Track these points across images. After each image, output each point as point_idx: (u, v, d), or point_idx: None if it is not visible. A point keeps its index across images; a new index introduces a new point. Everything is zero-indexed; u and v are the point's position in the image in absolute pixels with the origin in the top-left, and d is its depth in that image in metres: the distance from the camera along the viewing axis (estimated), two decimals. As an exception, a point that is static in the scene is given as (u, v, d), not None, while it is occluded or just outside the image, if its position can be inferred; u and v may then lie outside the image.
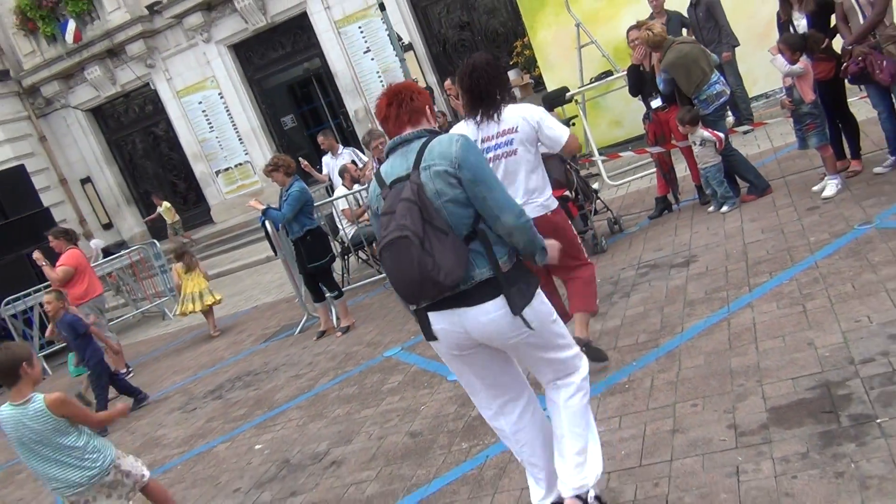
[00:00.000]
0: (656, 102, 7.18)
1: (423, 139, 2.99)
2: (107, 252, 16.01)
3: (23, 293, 11.54)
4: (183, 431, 6.44)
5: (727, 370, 4.00)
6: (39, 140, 20.35)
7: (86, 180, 20.90)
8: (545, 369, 3.14)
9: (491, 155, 4.29)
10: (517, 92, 13.85)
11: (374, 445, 4.71)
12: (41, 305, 11.51)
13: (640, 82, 7.22)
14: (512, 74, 14.50)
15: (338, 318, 7.84)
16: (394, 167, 3.00)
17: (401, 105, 3.06)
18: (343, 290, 7.95)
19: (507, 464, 3.86)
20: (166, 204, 18.04)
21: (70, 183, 20.79)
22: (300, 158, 10.20)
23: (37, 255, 9.47)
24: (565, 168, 6.76)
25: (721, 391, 3.82)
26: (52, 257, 9.12)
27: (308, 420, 5.58)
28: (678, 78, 6.65)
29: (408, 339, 6.50)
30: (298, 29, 18.15)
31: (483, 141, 4.30)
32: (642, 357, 4.53)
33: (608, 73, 9.91)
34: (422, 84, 15.78)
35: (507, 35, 16.75)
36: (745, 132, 8.83)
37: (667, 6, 8.99)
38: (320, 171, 10.75)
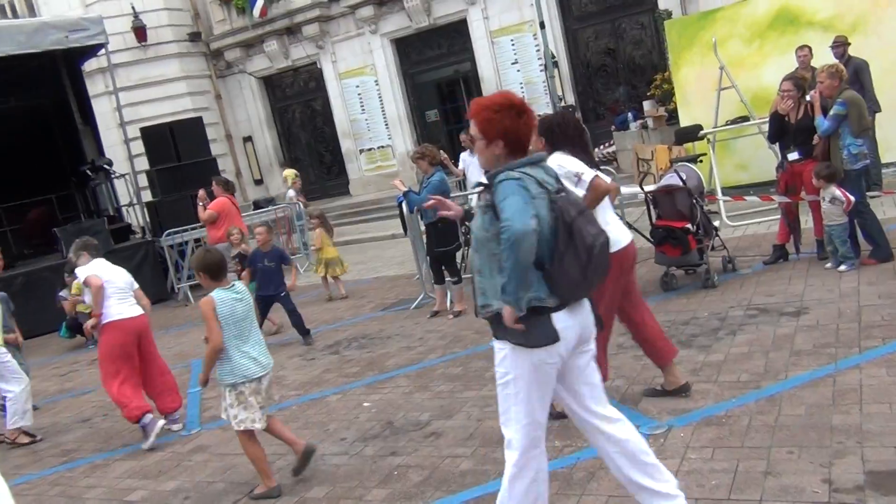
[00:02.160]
0: (794, 155, 6.84)
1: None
2: (257, 205, 16.65)
3: (181, 228, 12.16)
4: (301, 377, 6.63)
5: (828, 425, 3.77)
6: (215, 98, 21.34)
7: (247, 139, 21.80)
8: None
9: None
10: (650, 122, 13.52)
11: (472, 425, 4.70)
12: (195, 241, 12.15)
13: (781, 132, 6.89)
14: (647, 105, 14.16)
15: (452, 302, 7.88)
16: (545, 177, 2.94)
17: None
18: (462, 277, 7.97)
19: (597, 469, 3.77)
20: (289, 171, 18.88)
21: (234, 139, 21.74)
22: (441, 151, 10.28)
23: (201, 193, 10.06)
24: (691, 203, 6.55)
25: (819, 444, 3.60)
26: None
27: (414, 390, 5.63)
28: (852, 115, 6.28)
29: (514, 334, 6.45)
30: (456, 33, 18.30)
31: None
32: (742, 396, 4.33)
33: (744, 119, 9.52)
34: (566, 101, 15.68)
35: (646, 67, 16.38)
36: (872, 197, 8.30)
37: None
38: (457, 165, 10.80)
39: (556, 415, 4.04)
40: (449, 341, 6.77)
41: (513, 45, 17.37)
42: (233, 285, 4.33)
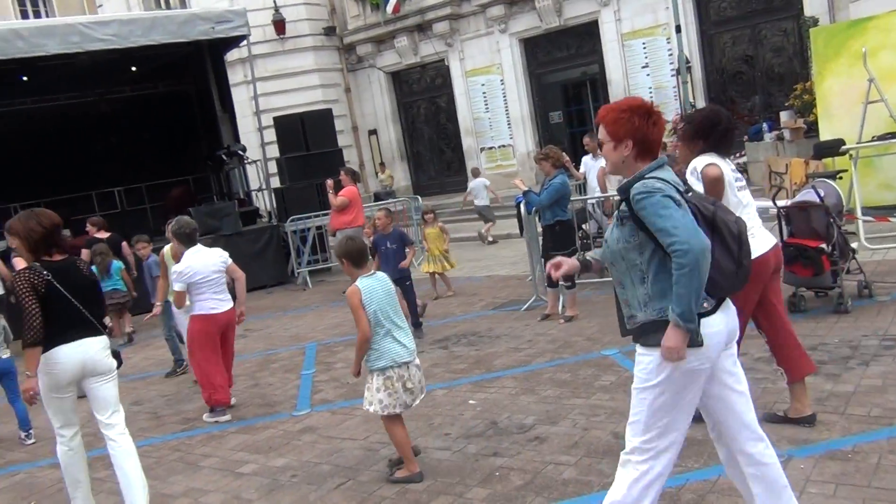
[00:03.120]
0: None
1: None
2: (377, 197, 17.04)
3: (305, 215, 12.60)
4: (409, 368, 6.70)
5: (970, 473, 3.45)
6: (345, 91, 21.99)
7: (372, 132, 22.34)
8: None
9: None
10: (786, 134, 12.84)
11: (577, 433, 4.61)
12: (317, 228, 12.57)
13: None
14: (784, 116, 13.46)
15: (564, 307, 7.77)
16: (676, 180, 2.86)
17: None
18: (576, 282, 7.84)
19: (707, 493, 3.62)
20: (386, 172, 20.27)
21: (360, 131, 22.33)
22: (563, 154, 10.15)
23: (329, 182, 10.44)
24: (828, 221, 6.16)
25: (959, 493, 3.31)
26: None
27: (520, 392, 5.59)
28: None
29: (628, 344, 6.25)
30: (586, 35, 18.05)
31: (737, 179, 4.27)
32: (872, 431, 4.03)
33: (892, 135, 8.89)
34: (696, 108, 15.12)
35: (785, 75, 15.58)
36: None
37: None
38: (578, 169, 10.64)
39: None
40: (558, 346, 6.68)
41: (644, 48, 16.95)
42: (373, 273, 4.40)
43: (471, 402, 5.54)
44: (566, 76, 19.13)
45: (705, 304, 2.76)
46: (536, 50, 19.08)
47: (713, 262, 2.70)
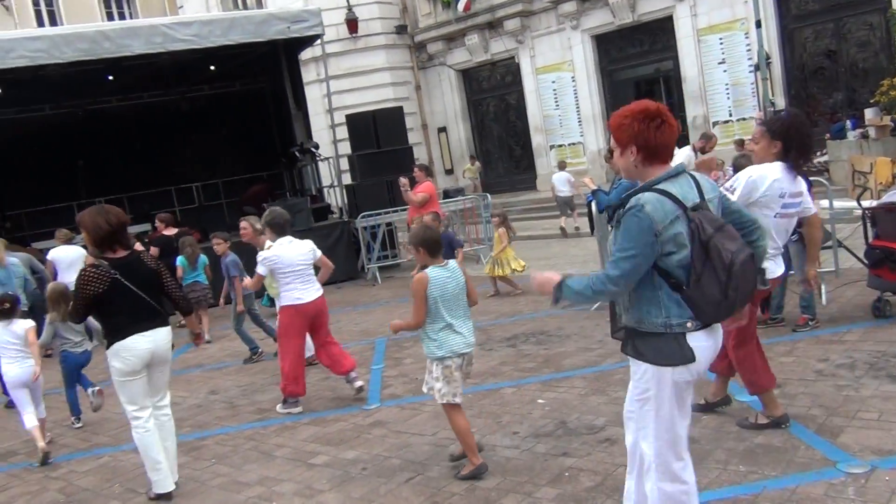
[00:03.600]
0: None
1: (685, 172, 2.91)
2: (446, 194, 17.10)
3: (375, 212, 12.75)
4: (478, 366, 6.69)
5: None
6: (415, 88, 22.16)
7: (442, 129, 22.45)
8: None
9: (791, 211, 4.32)
10: (871, 132, 12.34)
11: (649, 437, 4.54)
12: (387, 225, 12.71)
13: None
14: (869, 113, 12.94)
15: (635, 307, 7.64)
16: (685, 192, 2.82)
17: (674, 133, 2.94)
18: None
19: (785, 501, 3.51)
20: (475, 165, 20.35)
21: (429, 129, 22.46)
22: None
23: (403, 180, 10.58)
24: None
25: None
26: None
27: (590, 392, 5.53)
28: None
29: (701, 347, 6.15)
30: (660, 30, 17.72)
31: (791, 195, 4.27)
32: (964, 444, 3.85)
33: None
34: (776, 105, 14.68)
35: (871, 71, 14.96)
36: None
37: None
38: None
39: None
40: (629, 347, 6.58)
41: (721, 43, 16.54)
42: (446, 264, 4.39)
43: (539, 401, 5.52)
44: (639, 73, 18.82)
45: (689, 325, 2.80)
46: (609, 46, 18.83)
47: (699, 287, 2.73)
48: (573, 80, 19.12)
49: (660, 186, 2.78)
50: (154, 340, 4.50)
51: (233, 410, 6.48)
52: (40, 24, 25.06)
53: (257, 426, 5.92)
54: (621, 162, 2.95)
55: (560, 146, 19.77)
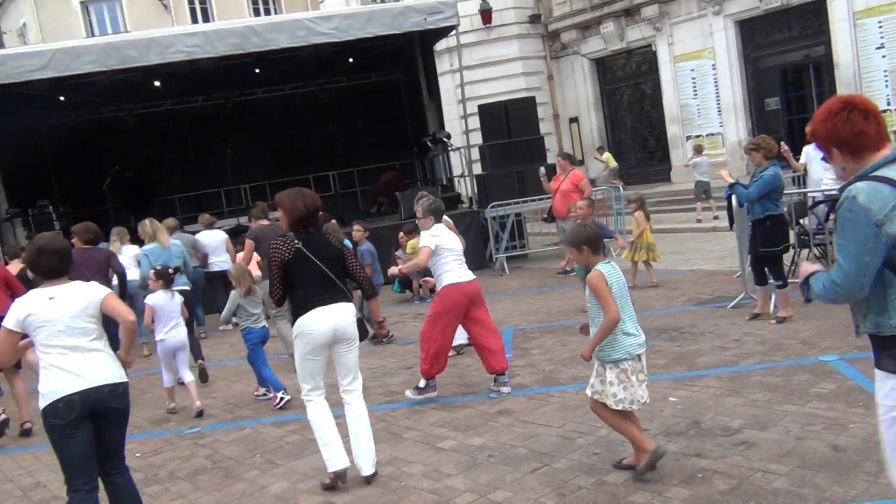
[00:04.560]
0: None
1: None
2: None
3: (505, 202, 12.78)
4: (607, 360, 6.61)
5: None
6: (547, 78, 21.97)
7: (573, 120, 22.14)
8: None
9: None
10: None
11: (790, 442, 4.32)
12: (516, 215, 12.72)
13: None
14: None
15: (776, 307, 7.28)
16: None
17: (879, 122, 2.62)
18: (788, 280, 7.32)
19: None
20: (608, 154, 19.78)
21: (560, 119, 22.21)
22: (782, 143, 9.48)
23: (542, 171, 10.73)
24: None
25: None
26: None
27: (725, 393, 5.33)
28: None
29: (849, 351, 5.78)
30: (811, 14, 16.67)
31: None
32: None
33: None
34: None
35: None
36: None
37: None
38: (798, 159, 9.88)
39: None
40: (769, 348, 6.28)
41: (880, 27, 15.35)
42: (608, 261, 4.24)
43: (671, 399, 5.37)
44: (786, 59, 17.78)
45: None
46: (753, 32, 17.89)
47: None
48: (713, 68, 18.31)
49: (875, 173, 2.52)
50: (336, 315, 4.52)
51: (364, 392, 6.67)
52: (194, 20, 26.74)
53: (387, 408, 6.09)
54: (836, 166, 2.73)
55: (697, 136, 19.01)
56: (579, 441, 4.76)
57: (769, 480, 3.90)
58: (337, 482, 4.58)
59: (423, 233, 6.29)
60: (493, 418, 5.50)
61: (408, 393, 6.21)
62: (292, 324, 4.66)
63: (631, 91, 21.24)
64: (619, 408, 4.07)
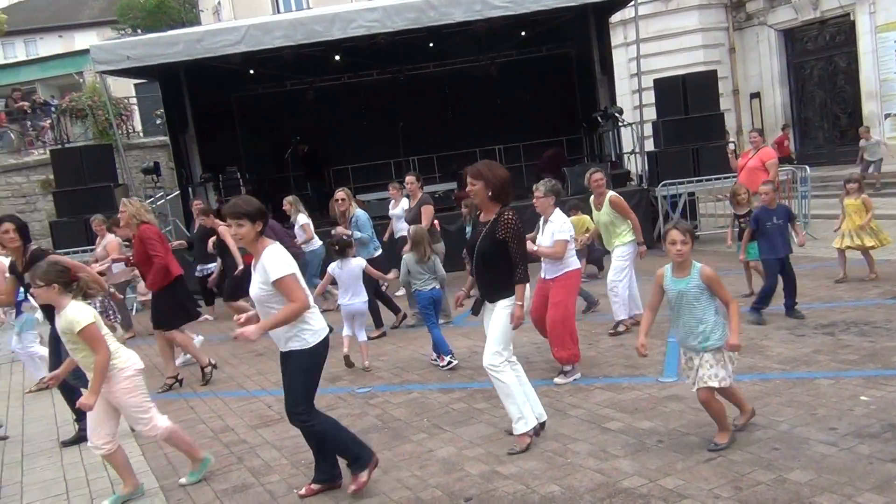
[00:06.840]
0: None
1: None
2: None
3: (678, 180, 12.30)
4: (788, 351, 6.22)
5: None
6: (729, 51, 20.77)
7: (755, 95, 20.84)
8: None
9: None
10: None
11: None
12: (689, 195, 12.20)
13: None
14: None
15: None
16: None
17: None
18: None
19: None
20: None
21: (741, 95, 20.97)
22: None
23: (731, 146, 10.61)
24: None
25: None
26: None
27: (927, 396, 4.86)
28: None
29: None
30: None
31: None
32: None
33: None
34: None
35: None
36: None
37: None
38: None
39: None
40: (982, 351, 5.65)
41: None
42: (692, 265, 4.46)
43: (863, 398, 4.97)
44: None
45: None
46: (973, -2, 15.98)
47: None
48: (923, 38, 16.58)
49: None
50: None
51: (528, 366, 6.65)
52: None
53: (551, 384, 6.07)
54: None
55: (897, 115, 17.34)
56: (757, 434, 4.53)
57: (981, 496, 3.52)
58: (533, 439, 4.79)
59: (556, 224, 6.15)
60: (661, 403, 5.35)
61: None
62: (500, 296, 4.71)
63: (823, 64, 19.63)
64: (725, 384, 4.39)
